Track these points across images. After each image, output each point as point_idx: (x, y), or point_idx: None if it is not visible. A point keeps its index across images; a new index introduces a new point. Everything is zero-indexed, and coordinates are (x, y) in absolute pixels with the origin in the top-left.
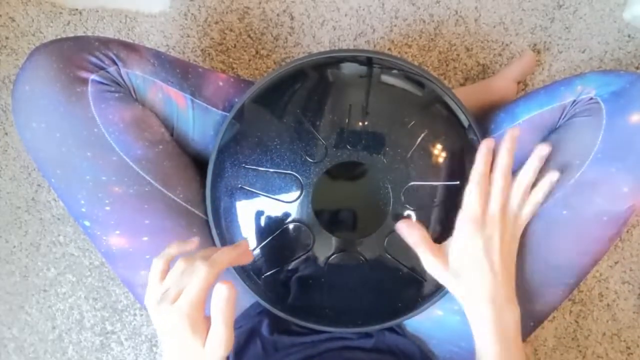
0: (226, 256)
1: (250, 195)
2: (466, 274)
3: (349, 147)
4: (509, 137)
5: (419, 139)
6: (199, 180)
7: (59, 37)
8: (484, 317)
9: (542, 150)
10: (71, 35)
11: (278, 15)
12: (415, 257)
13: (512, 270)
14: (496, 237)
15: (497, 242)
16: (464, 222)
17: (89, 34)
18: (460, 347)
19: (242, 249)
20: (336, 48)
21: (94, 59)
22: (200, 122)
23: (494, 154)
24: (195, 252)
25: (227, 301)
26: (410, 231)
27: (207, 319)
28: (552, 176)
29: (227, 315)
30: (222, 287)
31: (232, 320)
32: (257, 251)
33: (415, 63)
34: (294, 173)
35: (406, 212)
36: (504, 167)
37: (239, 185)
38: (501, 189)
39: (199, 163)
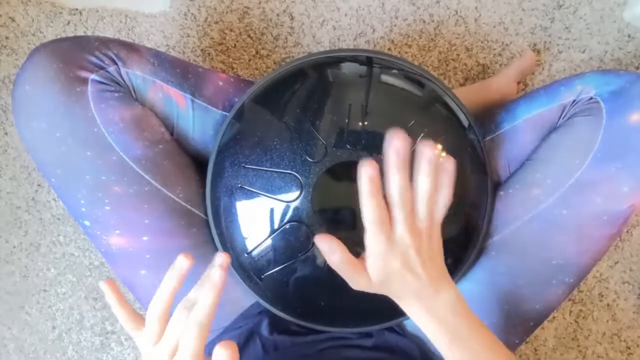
0: (209, 301)
1: (250, 195)
2: (390, 285)
3: (349, 146)
4: (392, 151)
5: (419, 139)
6: (199, 179)
7: (59, 37)
8: (417, 312)
9: (427, 149)
10: (71, 35)
11: (278, 15)
12: None
13: (438, 262)
14: (411, 252)
15: (413, 255)
16: (374, 250)
17: (89, 34)
18: None
19: (219, 280)
20: (336, 48)
21: (93, 59)
22: (200, 122)
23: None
24: (187, 298)
25: None
26: (331, 250)
27: None
28: (448, 167)
29: None
30: (221, 352)
31: None
32: (257, 251)
33: (415, 63)
34: (293, 173)
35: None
36: (397, 188)
37: (239, 185)
38: (402, 212)
39: (199, 163)
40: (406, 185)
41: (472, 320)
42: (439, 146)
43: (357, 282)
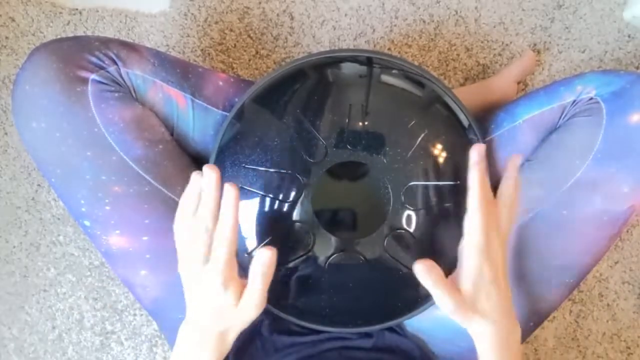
0: (230, 209)
1: (250, 195)
2: (480, 304)
3: (349, 147)
4: (512, 167)
5: (419, 139)
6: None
7: (59, 37)
8: (491, 340)
9: (517, 160)
10: (71, 35)
11: (278, 15)
12: (415, 257)
13: (508, 285)
14: (500, 261)
15: (500, 265)
16: (472, 253)
17: (89, 33)
18: (460, 347)
19: (233, 192)
20: (336, 48)
21: (94, 59)
22: (201, 122)
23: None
24: (200, 208)
25: (267, 266)
26: (429, 274)
27: (241, 281)
28: (519, 182)
29: (265, 279)
30: (263, 252)
31: (268, 284)
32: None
33: (415, 63)
34: (294, 173)
35: (406, 212)
36: (509, 199)
37: (239, 185)
38: (506, 216)
39: (199, 163)
40: (516, 201)
41: (520, 357)
42: (439, 145)
43: (447, 302)
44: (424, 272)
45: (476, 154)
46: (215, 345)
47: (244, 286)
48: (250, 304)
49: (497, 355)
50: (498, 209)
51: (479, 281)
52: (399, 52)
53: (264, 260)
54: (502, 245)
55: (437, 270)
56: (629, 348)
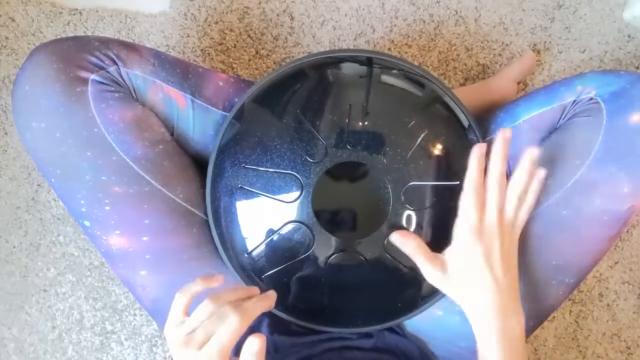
0: (258, 308)
1: (250, 195)
2: (468, 283)
3: (349, 147)
4: (500, 140)
5: (419, 139)
6: (199, 180)
7: (59, 37)
8: (489, 327)
9: (533, 152)
10: (71, 35)
11: (278, 15)
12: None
13: (514, 273)
14: (496, 245)
15: (497, 249)
16: (462, 231)
17: (89, 34)
18: (460, 347)
19: (271, 301)
20: (336, 48)
21: (94, 59)
22: (201, 122)
23: (487, 158)
24: (223, 293)
25: (257, 355)
26: (405, 241)
27: None
28: (540, 174)
29: None
30: (254, 341)
31: None
32: (257, 251)
33: (415, 63)
34: (294, 173)
35: (406, 212)
36: (498, 173)
37: (239, 185)
38: (497, 195)
39: (199, 163)
40: (504, 174)
41: (523, 342)
42: (439, 146)
43: (432, 272)
44: (402, 239)
45: (477, 147)
46: None
47: None
48: None
49: (497, 344)
50: (507, 194)
51: (467, 261)
52: (399, 52)
53: (253, 349)
54: (505, 232)
55: (415, 237)
56: (629, 348)
